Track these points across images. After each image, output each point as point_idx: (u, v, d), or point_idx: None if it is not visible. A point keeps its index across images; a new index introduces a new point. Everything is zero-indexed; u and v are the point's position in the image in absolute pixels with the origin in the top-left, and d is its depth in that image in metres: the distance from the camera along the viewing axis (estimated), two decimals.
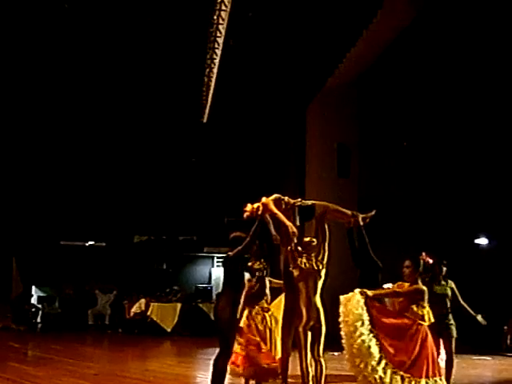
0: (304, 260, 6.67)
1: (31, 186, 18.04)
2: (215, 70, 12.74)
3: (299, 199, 7.15)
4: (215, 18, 10.93)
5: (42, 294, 19.02)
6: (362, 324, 5.66)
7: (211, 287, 18.79)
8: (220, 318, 6.37)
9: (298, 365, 6.65)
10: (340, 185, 14.16)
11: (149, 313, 16.75)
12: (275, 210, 6.74)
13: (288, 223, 6.67)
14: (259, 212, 6.61)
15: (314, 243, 6.76)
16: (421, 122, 14.99)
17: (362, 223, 6.99)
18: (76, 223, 18.95)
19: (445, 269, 7.74)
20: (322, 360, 6.63)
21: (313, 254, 6.70)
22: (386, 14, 10.92)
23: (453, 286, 7.73)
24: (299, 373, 6.65)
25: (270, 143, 17.12)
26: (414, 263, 6.00)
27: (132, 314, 17.16)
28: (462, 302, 7.73)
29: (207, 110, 15.19)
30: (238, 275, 6.49)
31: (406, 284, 5.99)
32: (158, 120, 16.44)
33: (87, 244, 20.38)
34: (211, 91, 13.80)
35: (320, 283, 6.66)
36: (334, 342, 6.48)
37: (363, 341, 5.60)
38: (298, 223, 6.90)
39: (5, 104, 15.15)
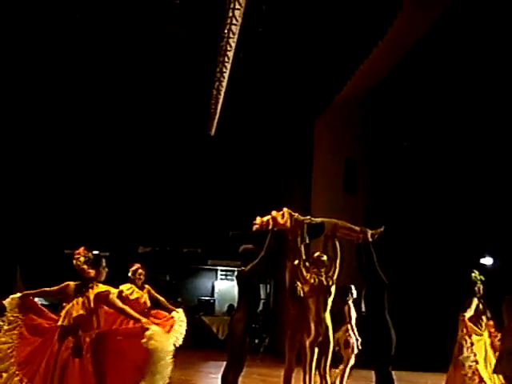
0: (314, 275, 6.65)
1: (35, 194, 18.06)
2: (224, 84, 12.79)
3: (308, 217, 7.14)
4: (226, 31, 10.98)
5: (45, 303, 18.97)
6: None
7: (214, 300, 18.76)
8: (234, 331, 6.31)
9: (301, 380, 6.64)
10: (346, 200, 14.12)
11: None
12: (284, 225, 6.71)
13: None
14: (269, 226, 6.58)
15: (324, 258, 6.74)
16: (428, 137, 15.01)
17: (370, 239, 6.98)
18: (80, 232, 18.92)
19: None
20: (328, 376, 6.61)
21: (323, 270, 6.68)
22: (395, 32, 10.95)
23: None
24: None
25: (277, 157, 17.14)
26: (85, 256, 5.09)
27: None
28: None
29: (215, 123, 15.22)
30: (254, 290, 6.41)
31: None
32: (165, 131, 16.48)
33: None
34: (220, 104, 13.84)
35: (330, 299, 6.63)
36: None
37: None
38: (307, 241, 6.86)
39: (11, 112, 15.22)
